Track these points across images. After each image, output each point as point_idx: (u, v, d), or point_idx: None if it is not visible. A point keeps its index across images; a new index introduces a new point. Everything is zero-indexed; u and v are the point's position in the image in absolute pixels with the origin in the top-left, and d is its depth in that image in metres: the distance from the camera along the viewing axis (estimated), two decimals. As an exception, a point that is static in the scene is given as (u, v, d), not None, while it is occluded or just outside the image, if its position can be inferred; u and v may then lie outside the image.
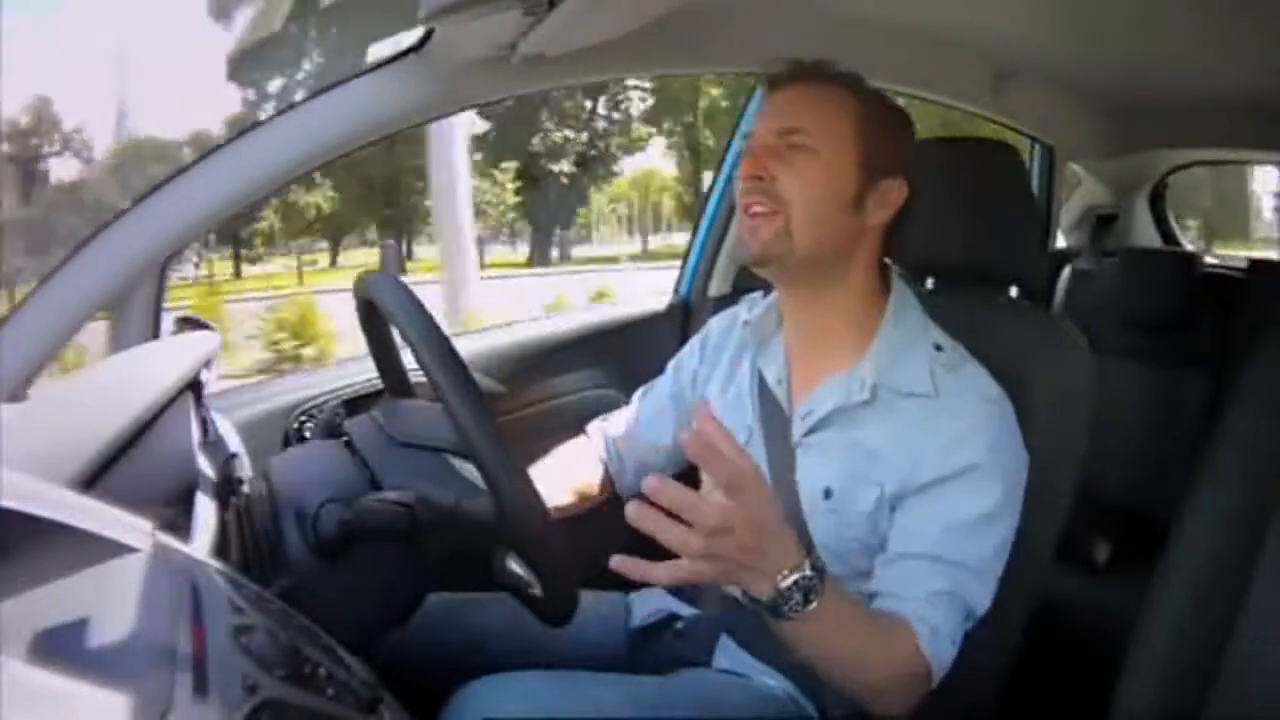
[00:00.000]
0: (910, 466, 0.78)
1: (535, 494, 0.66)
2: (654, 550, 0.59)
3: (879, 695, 0.74)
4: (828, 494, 0.82)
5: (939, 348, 0.83)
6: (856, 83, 0.84)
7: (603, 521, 1.06)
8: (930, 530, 0.77)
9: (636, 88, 18.38)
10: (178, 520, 0.62)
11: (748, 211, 0.83)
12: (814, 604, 0.63)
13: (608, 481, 1.04)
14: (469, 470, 0.74)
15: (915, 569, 0.76)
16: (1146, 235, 2.25)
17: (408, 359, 0.86)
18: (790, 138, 0.81)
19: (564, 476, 0.99)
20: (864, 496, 0.80)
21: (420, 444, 0.78)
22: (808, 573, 0.63)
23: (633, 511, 0.56)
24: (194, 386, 0.82)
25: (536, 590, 0.70)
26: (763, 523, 0.60)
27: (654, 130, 19.66)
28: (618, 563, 0.59)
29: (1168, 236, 2.28)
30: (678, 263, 1.72)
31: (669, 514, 0.57)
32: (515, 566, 0.71)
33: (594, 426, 1.08)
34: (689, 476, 0.98)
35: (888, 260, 0.91)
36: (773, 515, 0.62)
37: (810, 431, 0.85)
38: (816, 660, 0.71)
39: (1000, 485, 0.77)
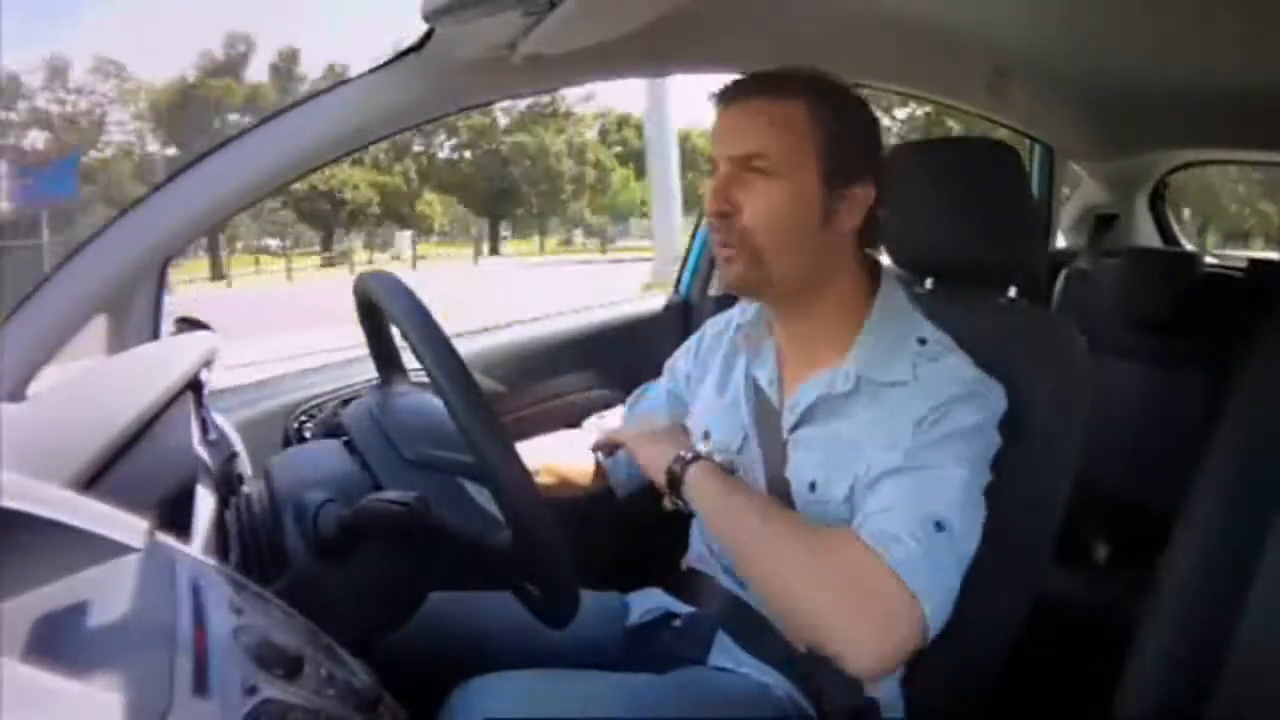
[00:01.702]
0: (886, 447, 0.78)
1: (537, 495, 0.66)
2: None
3: (855, 629, 0.69)
4: (812, 487, 0.82)
5: (923, 341, 0.83)
6: (810, 88, 0.80)
7: (601, 522, 1.06)
8: (894, 459, 0.76)
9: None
10: (178, 520, 0.62)
11: (720, 244, 0.82)
12: (698, 460, 0.81)
13: (600, 474, 1.05)
14: (483, 496, 0.74)
15: (874, 489, 0.75)
16: (1146, 235, 2.25)
17: (409, 360, 0.86)
18: (750, 162, 0.79)
19: (547, 458, 1.00)
20: (840, 486, 0.80)
21: (431, 464, 0.77)
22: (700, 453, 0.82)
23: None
24: (194, 386, 0.82)
25: (537, 591, 0.70)
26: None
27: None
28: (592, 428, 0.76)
29: (1168, 237, 2.29)
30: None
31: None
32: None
33: (589, 421, 1.09)
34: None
35: (880, 259, 0.90)
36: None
37: (797, 426, 0.85)
38: (744, 546, 0.78)
39: (969, 453, 0.76)
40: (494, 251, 27.43)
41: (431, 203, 26.68)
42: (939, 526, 0.73)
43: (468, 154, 28.24)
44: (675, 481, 0.81)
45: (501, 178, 27.38)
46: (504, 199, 27.42)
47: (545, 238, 29.56)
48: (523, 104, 27.84)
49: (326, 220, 25.90)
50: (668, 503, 0.84)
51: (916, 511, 0.73)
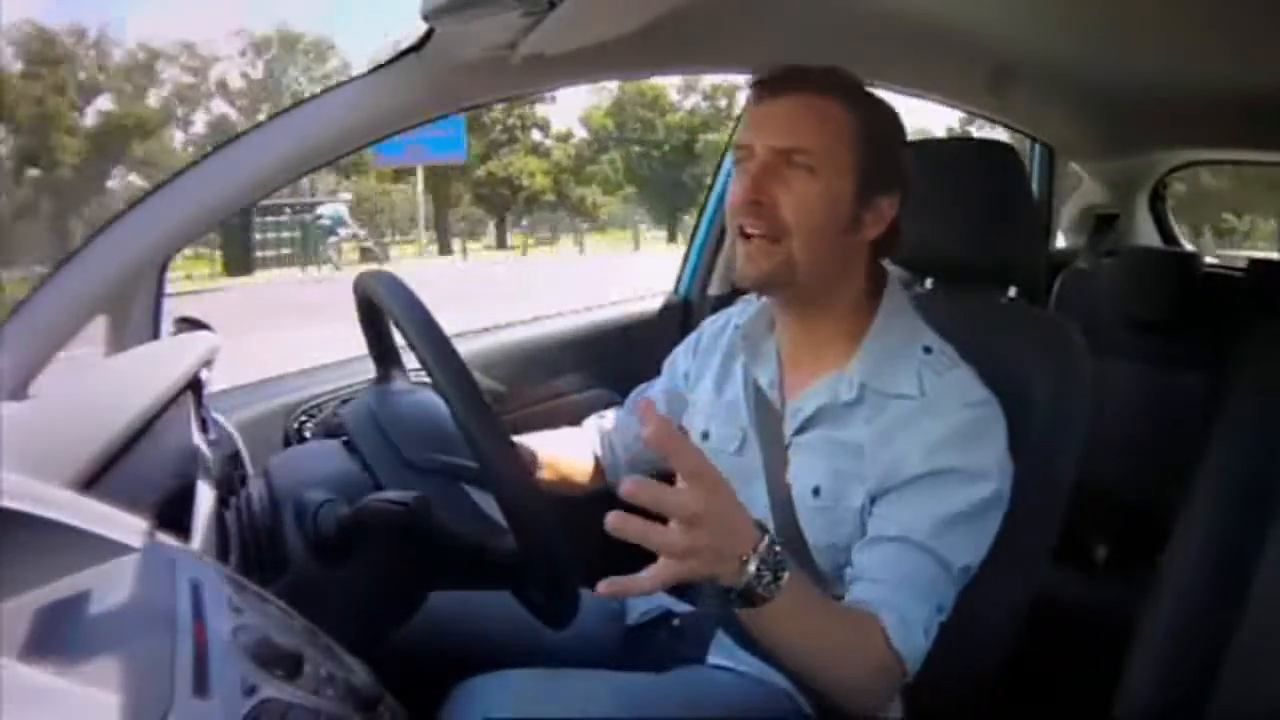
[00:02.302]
0: (892, 465, 0.78)
1: (538, 494, 0.66)
2: (649, 552, 0.59)
3: (851, 691, 0.74)
4: (816, 492, 0.82)
5: (928, 350, 0.83)
6: (853, 92, 0.81)
7: (601, 522, 1.06)
8: (904, 516, 0.77)
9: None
10: (178, 520, 0.62)
11: (745, 235, 0.80)
12: (784, 577, 0.63)
13: (599, 472, 1.05)
14: (485, 501, 0.74)
15: (887, 551, 0.76)
16: (1146, 235, 2.25)
17: (409, 360, 0.86)
18: (791, 156, 0.78)
19: (546, 454, 1.00)
20: (853, 493, 0.80)
21: (433, 468, 0.77)
22: (774, 549, 0.63)
23: (613, 521, 0.57)
24: (194, 386, 0.82)
25: (537, 591, 0.70)
26: (728, 508, 0.62)
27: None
28: (605, 588, 0.60)
29: (1168, 236, 2.29)
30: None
31: (647, 516, 0.58)
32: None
33: (590, 420, 1.09)
34: (672, 476, 0.99)
35: (885, 264, 0.90)
36: (733, 499, 0.63)
37: (799, 431, 0.85)
38: (786, 652, 0.71)
39: (980, 489, 0.77)
40: (671, 239, 28.83)
41: (627, 195, 28.56)
42: (930, 557, 0.75)
43: (655, 152, 29.39)
44: (750, 596, 0.63)
45: (689, 174, 28.78)
46: (683, 193, 28.79)
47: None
48: (704, 105, 29.12)
49: (504, 206, 27.24)
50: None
51: (928, 589, 0.75)
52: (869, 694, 0.75)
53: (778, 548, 0.64)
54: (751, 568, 0.62)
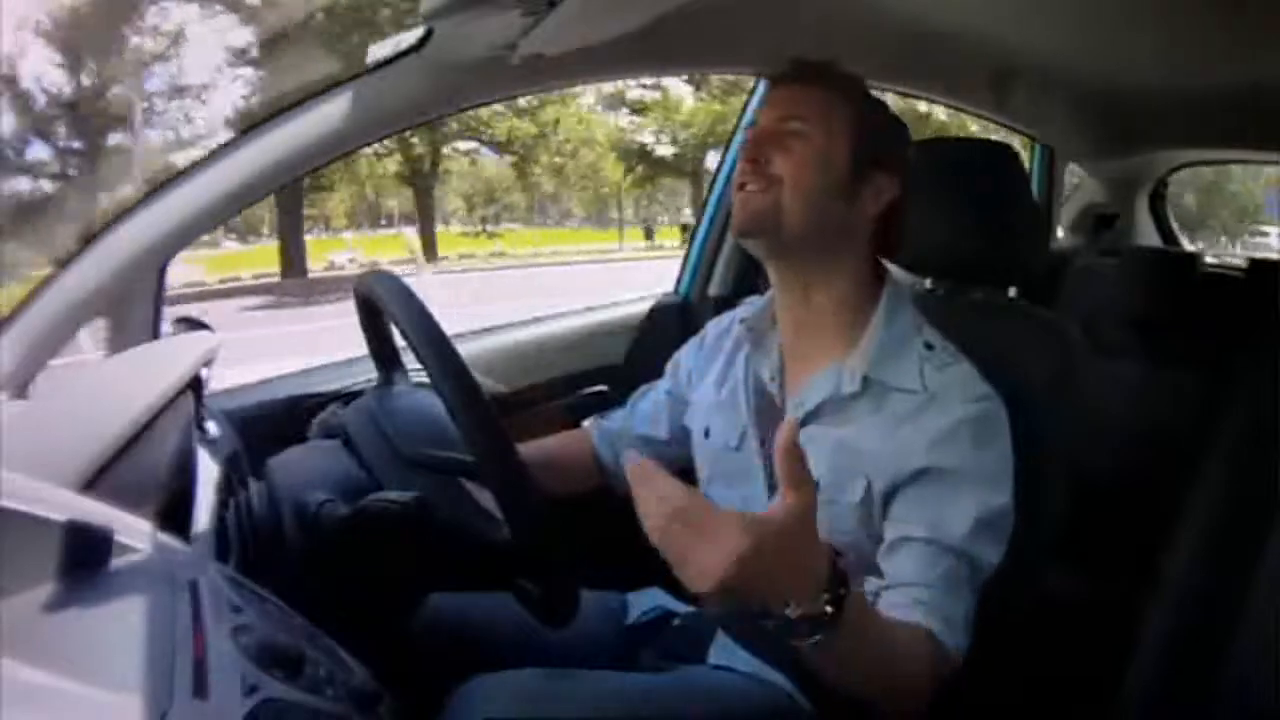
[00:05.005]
0: (897, 460, 0.78)
1: (538, 494, 0.66)
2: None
3: (894, 697, 0.72)
4: (815, 487, 0.81)
5: (930, 346, 0.83)
6: (857, 86, 0.87)
7: (601, 522, 1.07)
8: (926, 515, 0.76)
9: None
10: (178, 520, 0.62)
11: (741, 189, 0.85)
12: (819, 637, 0.58)
13: (599, 473, 1.05)
14: (484, 496, 0.74)
15: (921, 554, 0.76)
16: (1147, 235, 2.25)
17: (409, 360, 0.86)
18: (788, 124, 0.84)
19: (546, 454, 1.00)
20: (852, 487, 0.80)
21: (431, 464, 0.77)
22: (818, 610, 0.58)
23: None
24: (194, 386, 0.82)
25: (536, 591, 0.70)
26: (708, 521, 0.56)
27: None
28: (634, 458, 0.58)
29: (1168, 236, 2.29)
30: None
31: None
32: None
33: (590, 421, 1.09)
34: (682, 473, 0.99)
35: (885, 262, 0.90)
36: (762, 537, 0.56)
37: (800, 425, 0.85)
38: (826, 675, 0.67)
39: (997, 488, 0.77)
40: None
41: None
42: (962, 559, 0.75)
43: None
44: (785, 632, 0.58)
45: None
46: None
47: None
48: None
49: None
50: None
51: (964, 587, 0.75)
52: (912, 697, 0.72)
53: (821, 611, 0.58)
54: (792, 615, 0.57)
